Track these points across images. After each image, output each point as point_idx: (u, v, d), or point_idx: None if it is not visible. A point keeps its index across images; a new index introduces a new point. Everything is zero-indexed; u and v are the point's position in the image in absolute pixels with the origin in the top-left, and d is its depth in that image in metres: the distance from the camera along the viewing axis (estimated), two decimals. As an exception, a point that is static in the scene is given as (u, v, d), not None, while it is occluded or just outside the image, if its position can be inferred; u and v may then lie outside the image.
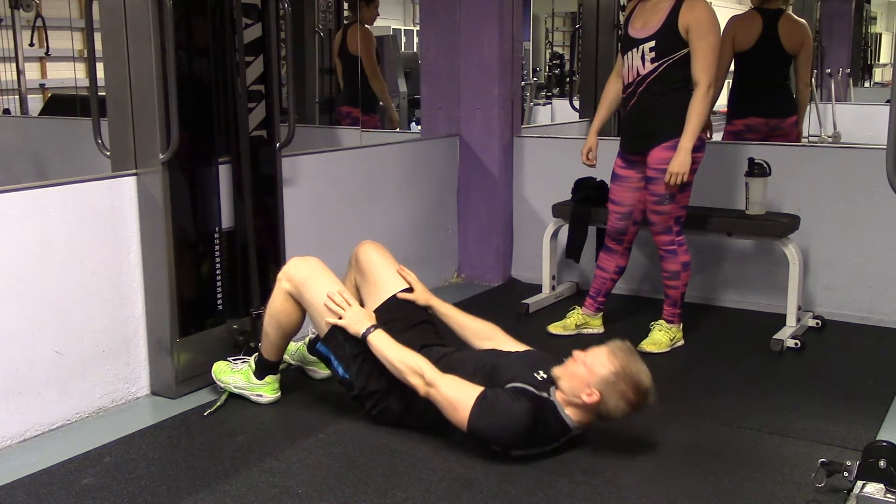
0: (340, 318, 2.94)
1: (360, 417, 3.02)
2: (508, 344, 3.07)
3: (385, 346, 2.88)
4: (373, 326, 2.91)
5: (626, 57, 3.70)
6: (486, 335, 3.13)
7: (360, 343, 2.92)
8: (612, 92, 3.87)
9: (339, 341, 2.96)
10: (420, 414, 2.88)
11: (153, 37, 3.01)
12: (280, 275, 3.09)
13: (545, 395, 2.74)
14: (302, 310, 3.07)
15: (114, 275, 3.15)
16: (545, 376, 2.79)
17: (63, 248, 2.98)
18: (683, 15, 3.51)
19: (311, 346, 3.35)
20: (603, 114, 3.94)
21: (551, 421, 2.73)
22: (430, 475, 2.65)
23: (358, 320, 2.93)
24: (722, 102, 5.40)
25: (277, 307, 3.08)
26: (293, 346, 3.40)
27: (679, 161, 3.52)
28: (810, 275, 4.24)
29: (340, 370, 2.97)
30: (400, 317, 3.09)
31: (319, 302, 2.98)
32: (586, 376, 2.70)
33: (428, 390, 2.76)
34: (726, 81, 4.93)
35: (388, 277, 3.17)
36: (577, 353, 2.79)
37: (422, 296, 3.17)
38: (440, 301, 3.21)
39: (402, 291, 3.14)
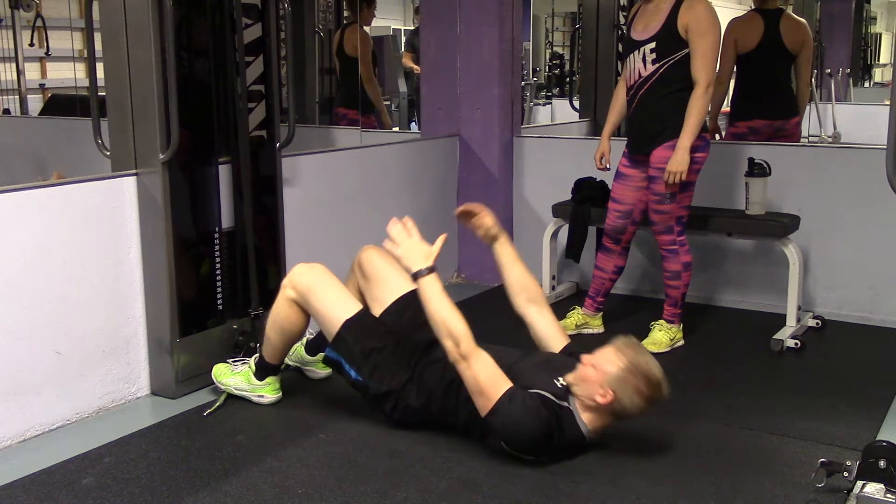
0: (398, 249, 2.79)
1: (360, 417, 3.01)
2: (546, 318, 3.04)
3: (433, 296, 2.73)
4: (427, 269, 2.74)
5: (627, 60, 3.70)
6: (530, 295, 3.06)
7: (371, 342, 2.88)
8: (620, 97, 3.87)
9: (348, 344, 2.92)
10: (440, 408, 2.85)
11: (153, 37, 3.01)
12: (285, 282, 3.07)
13: (565, 403, 2.73)
14: (306, 317, 3.05)
15: (114, 275, 3.15)
16: (564, 384, 2.76)
17: (63, 248, 2.98)
18: (682, 15, 3.51)
19: (310, 348, 3.36)
20: (613, 119, 3.94)
21: (567, 430, 2.71)
22: (430, 475, 2.65)
23: (412, 256, 2.77)
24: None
25: (282, 314, 3.05)
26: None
27: (677, 160, 3.52)
28: (810, 275, 4.24)
29: (353, 373, 2.93)
30: (407, 317, 3.04)
31: (326, 309, 2.96)
32: (597, 377, 2.69)
33: (459, 361, 2.67)
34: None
35: (393, 280, 3.13)
36: (584, 357, 2.77)
37: (496, 226, 3.09)
38: (506, 238, 3.12)
39: (410, 293, 3.05)
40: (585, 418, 2.73)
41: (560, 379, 2.77)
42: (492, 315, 3.31)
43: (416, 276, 2.77)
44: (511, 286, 3.09)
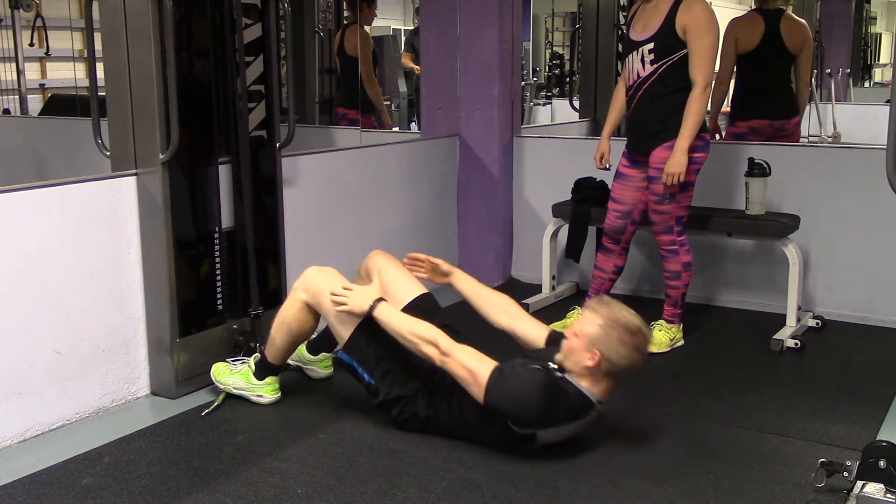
0: (346, 304, 2.91)
1: (361, 417, 3.02)
2: (524, 319, 3.09)
3: (393, 318, 2.86)
4: (377, 300, 2.88)
5: (627, 60, 3.70)
6: (501, 306, 3.12)
7: (384, 346, 2.88)
8: (620, 97, 3.87)
9: (361, 347, 2.92)
10: (445, 423, 2.86)
11: (153, 37, 3.02)
12: (297, 284, 3.08)
13: (561, 374, 2.75)
14: (315, 319, 3.06)
15: (114, 275, 3.15)
16: (555, 365, 2.78)
17: (63, 248, 2.98)
18: (681, 15, 3.51)
19: (312, 348, 3.37)
20: (613, 119, 3.94)
21: (570, 393, 2.73)
22: (430, 475, 2.65)
23: (360, 298, 2.90)
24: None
25: (291, 315, 3.05)
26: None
27: (675, 161, 3.52)
28: (810, 275, 4.24)
29: (366, 376, 2.93)
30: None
31: (340, 312, 2.95)
32: (581, 343, 2.73)
33: (443, 360, 2.74)
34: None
35: (401, 286, 3.13)
36: (566, 331, 2.83)
37: (444, 264, 3.22)
38: (460, 271, 3.23)
39: (419, 297, 3.10)
40: (585, 385, 2.74)
41: (550, 363, 2.79)
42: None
43: (370, 312, 2.86)
44: (486, 310, 3.13)
